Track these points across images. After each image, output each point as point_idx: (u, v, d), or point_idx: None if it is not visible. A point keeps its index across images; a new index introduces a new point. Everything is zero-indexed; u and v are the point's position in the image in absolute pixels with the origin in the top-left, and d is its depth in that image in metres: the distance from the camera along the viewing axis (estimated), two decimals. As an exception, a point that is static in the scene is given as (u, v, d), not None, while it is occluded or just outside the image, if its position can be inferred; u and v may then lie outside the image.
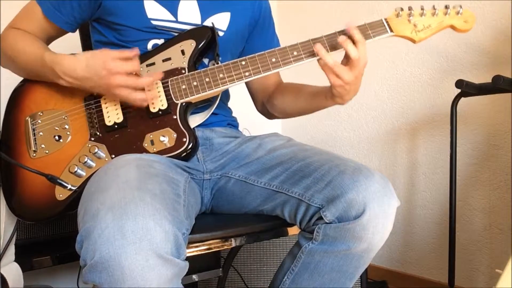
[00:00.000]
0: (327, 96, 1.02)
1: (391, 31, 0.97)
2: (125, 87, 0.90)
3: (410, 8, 0.97)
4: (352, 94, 0.98)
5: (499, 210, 1.54)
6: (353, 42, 0.92)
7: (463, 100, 1.42)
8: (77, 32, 1.20)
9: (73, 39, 1.18)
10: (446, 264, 1.45)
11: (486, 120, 1.57)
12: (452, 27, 0.99)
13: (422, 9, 0.98)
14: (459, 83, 1.33)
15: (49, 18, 1.01)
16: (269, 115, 1.25)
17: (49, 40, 1.07)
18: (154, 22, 1.01)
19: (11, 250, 1.02)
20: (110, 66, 0.88)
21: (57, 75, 0.93)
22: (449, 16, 0.98)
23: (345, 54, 0.93)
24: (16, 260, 1.03)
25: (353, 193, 0.83)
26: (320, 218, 0.86)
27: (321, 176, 0.89)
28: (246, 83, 1.22)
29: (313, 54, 0.96)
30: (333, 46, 0.95)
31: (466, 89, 1.34)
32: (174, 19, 1.03)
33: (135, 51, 0.92)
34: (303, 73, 1.40)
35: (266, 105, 1.22)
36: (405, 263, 1.83)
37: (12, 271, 1.00)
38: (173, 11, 1.03)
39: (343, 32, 0.95)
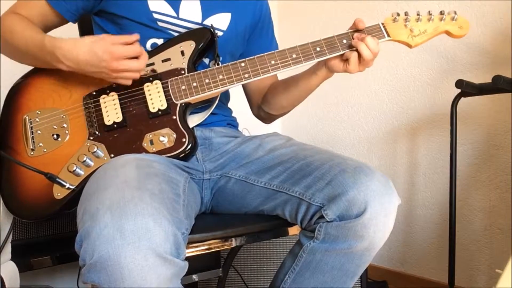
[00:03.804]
0: (321, 68, 1.03)
1: (388, 35, 0.99)
2: (126, 71, 0.91)
3: (406, 13, 1.00)
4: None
5: (499, 210, 1.54)
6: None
7: (463, 100, 1.42)
8: (77, 31, 1.20)
9: (72, 36, 1.18)
10: (446, 264, 1.45)
11: (486, 120, 1.57)
12: (447, 33, 1.01)
13: (418, 14, 1.00)
14: (459, 83, 1.33)
15: (52, 5, 1.01)
16: (266, 116, 1.24)
17: (47, 29, 1.06)
18: (155, 16, 1.01)
19: (8, 248, 1.01)
20: (112, 50, 0.88)
21: (57, 58, 0.91)
22: (444, 21, 1.00)
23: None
24: (16, 260, 1.03)
25: (354, 192, 0.83)
26: (321, 217, 0.86)
27: (322, 175, 0.89)
28: (243, 86, 1.23)
29: (311, 57, 0.97)
30: (332, 48, 0.97)
31: (466, 89, 1.34)
32: (175, 15, 1.03)
33: (136, 36, 0.93)
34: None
35: (262, 107, 1.21)
36: (405, 263, 1.83)
37: (9, 270, 0.99)
38: (175, 7, 1.03)
39: (345, 36, 0.98)
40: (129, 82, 0.94)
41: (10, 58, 1.04)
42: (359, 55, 0.96)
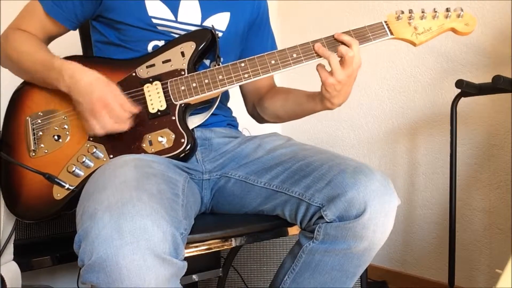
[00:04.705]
0: (316, 99, 1.02)
1: (391, 33, 0.98)
2: (112, 110, 0.89)
3: (410, 11, 0.97)
4: (342, 97, 0.98)
5: (499, 210, 1.54)
6: (346, 45, 0.93)
7: (463, 100, 1.42)
8: (77, 32, 1.20)
9: (73, 39, 1.18)
10: (446, 264, 1.45)
11: (486, 120, 1.56)
12: (453, 30, 0.99)
13: (423, 12, 0.97)
14: (459, 83, 1.32)
15: (50, 15, 1.01)
16: (259, 118, 1.24)
17: (50, 39, 1.07)
18: (154, 21, 1.01)
19: (10, 249, 1.02)
20: (117, 94, 0.90)
21: (62, 77, 0.92)
22: (450, 19, 0.97)
23: (340, 56, 0.94)
24: (16, 260, 1.04)
25: (354, 192, 0.83)
26: (321, 217, 0.86)
27: (321, 175, 0.89)
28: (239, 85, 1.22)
29: (312, 56, 0.96)
30: (332, 48, 0.96)
31: (466, 89, 1.34)
32: (174, 19, 1.03)
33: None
34: (297, 77, 1.40)
35: (256, 108, 1.21)
36: (405, 263, 1.83)
37: (11, 270, 1.00)
38: (174, 9, 1.03)
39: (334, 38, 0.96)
40: (104, 129, 0.90)
41: (14, 74, 1.04)
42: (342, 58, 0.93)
